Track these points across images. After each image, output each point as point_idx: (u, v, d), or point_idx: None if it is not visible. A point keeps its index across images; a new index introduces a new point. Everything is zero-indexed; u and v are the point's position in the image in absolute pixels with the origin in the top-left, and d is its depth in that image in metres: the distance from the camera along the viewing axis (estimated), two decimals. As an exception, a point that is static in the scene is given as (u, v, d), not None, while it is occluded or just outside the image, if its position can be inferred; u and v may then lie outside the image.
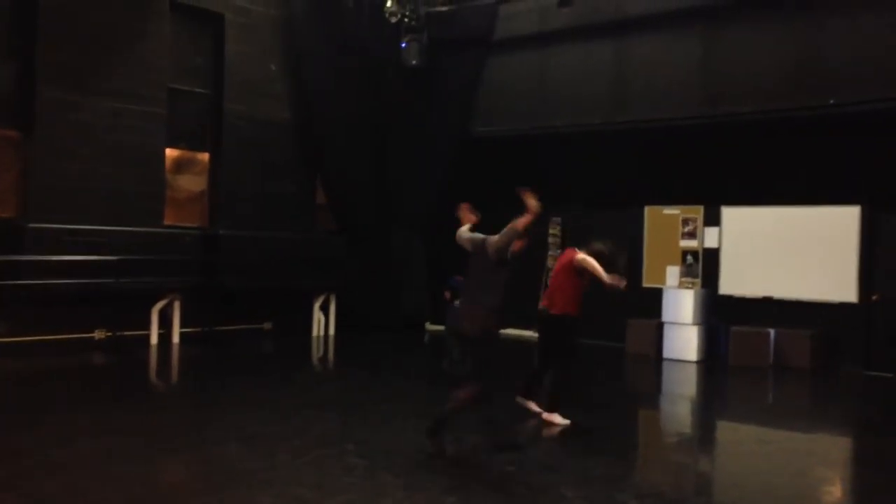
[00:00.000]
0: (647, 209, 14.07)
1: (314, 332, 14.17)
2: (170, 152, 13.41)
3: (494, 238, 6.44)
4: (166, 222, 13.19)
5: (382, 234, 15.19)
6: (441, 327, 15.09)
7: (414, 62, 14.46)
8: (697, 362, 12.48)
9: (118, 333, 12.14)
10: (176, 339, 12.41)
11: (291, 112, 14.68)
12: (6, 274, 11.10)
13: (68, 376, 9.87)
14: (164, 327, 12.42)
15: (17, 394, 8.68)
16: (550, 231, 14.74)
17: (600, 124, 13.32)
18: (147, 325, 12.21)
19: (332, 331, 14.37)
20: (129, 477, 5.64)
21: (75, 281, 11.46)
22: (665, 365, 12.43)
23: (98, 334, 12.11)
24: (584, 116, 13.46)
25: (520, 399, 8.18)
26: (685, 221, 13.66)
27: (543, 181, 14.57)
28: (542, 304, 8.13)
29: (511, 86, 14.47)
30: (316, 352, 13.09)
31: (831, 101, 11.18)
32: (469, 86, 14.84)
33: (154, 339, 12.20)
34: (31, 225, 11.46)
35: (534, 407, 8.07)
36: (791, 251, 12.51)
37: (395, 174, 15.21)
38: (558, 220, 14.77)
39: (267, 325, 14.25)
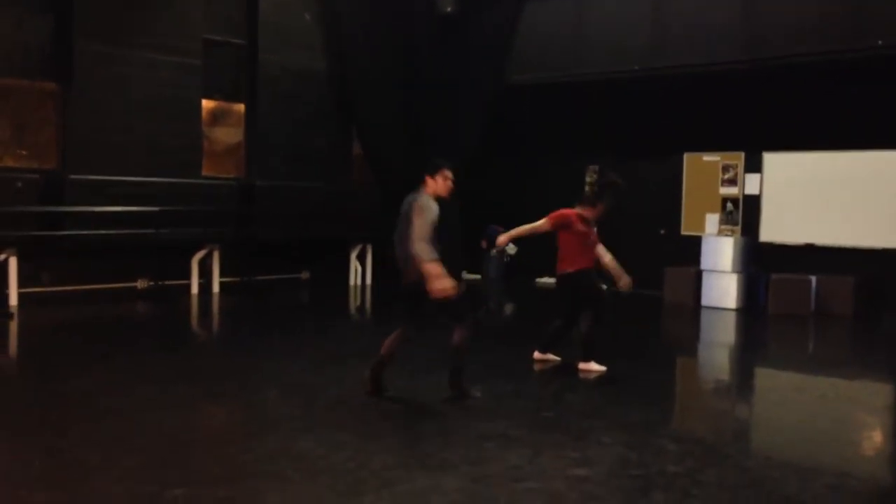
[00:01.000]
0: (686, 156, 13.85)
1: (351, 282, 14.27)
2: (206, 104, 13.45)
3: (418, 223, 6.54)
4: (204, 173, 13.29)
5: (417, 184, 15.14)
6: (477, 276, 15.12)
7: (448, 10, 14.26)
8: (737, 310, 12.37)
9: (160, 283, 12.33)
10: (216, 288, 12.59)
11: (326, 62, 14.60)
12: (49, 225, 11.30)
13: (112, 325, 10.07)
14: (205, 277, 12.58)
15: (62, 342, 8.87)
16: (587, 179, 14.59)
17: (638, 70, 13.06)
18: (188, 275, 12.39)
19: (368, 280, 14.45)
20: (172, 423, 5.76)
21: (116, 232, 11.64)
22: (703, 313, 12.34)
23: (140, 284, 12.33)
24: (621, 63, 13.20)
25: (537, 355, 8.13)
26: (725, 168, 13.43)
27: (580, 129, 14.51)
28: None
29: (547, 33, 14.20)
30: (353, 301, 13.19)
31: (879, 43, 10.83)
32: (504, 33, 14.59)
33: (195, 289, 12.38)
34: (72, 176, 11.61)
35: (554, 357, 8.08)
36: (833, 197, 12.26)
37: (430, 124, 15.09)
38: (595, 167, 14.60)
39: (304, 275, 14.39)
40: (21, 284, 10.69)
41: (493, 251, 15.09)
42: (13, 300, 10.53)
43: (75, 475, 4.66)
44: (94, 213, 11.53)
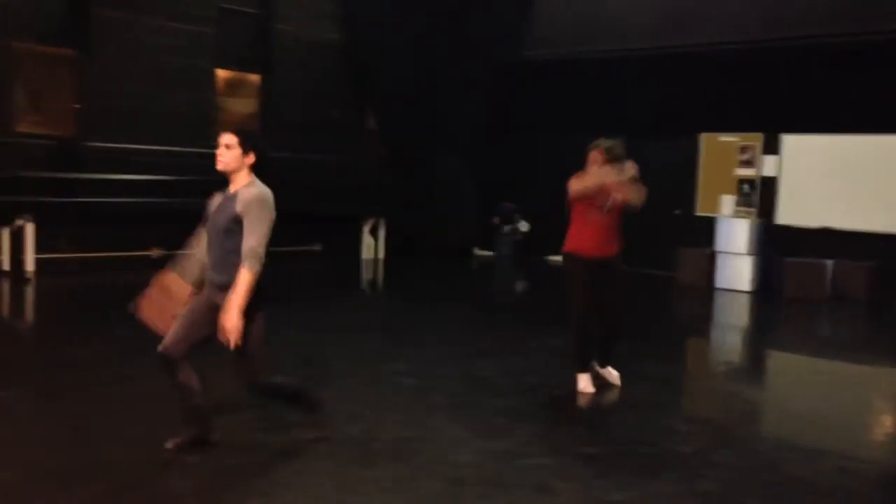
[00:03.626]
0: (702, 136, 13.73)
1: (363, 256, 14.28)
2: (221, 73, 13.40)
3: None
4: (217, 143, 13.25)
5: (430, 159, 15.13)
6: (490, 253, 15.13)
7: (465, -18, 14.15)
8: (751, 293, 12.32)
9: (173, 252, 12.35)
10: (228, 258, 12.61)
11: (341, 33, 14.52)
12: (65, 191, 11.32)
13: (126, 292, 10.09)
14: (217, 247, 12.59)
15: (77, 308, 8.93)
16: (602, 158, 14.49)
17: (656, 48, 12.93)
18: (199, 246, 12.40)
19: (381, 255, 14.46)
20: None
21: (130, 200, 11.65)
22: (717, 295, 12.29)
23: (154, 252, 12.35)
24: (638, 40, 13.07)
25: (598, 370, 6.50)
26: (742, 149, 13.31)
27: (594, 106, 14.39)
28: None
29: (563, 8, 14.07)
30: (365, 275, 13.21)
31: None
32: (519, 8, 14.47)
33: (206, 259, 12.40)
34: (88, 144, 11.62)
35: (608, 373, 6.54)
36: (852, 181, 12.14)
37: (444, 98, 15.03)
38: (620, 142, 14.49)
39: (317, 248, 14.40)
40: (37, 250, 10.74)
41: (506, 228, 15.12)
42: (29, 266, 10.59)
43: (91, 440, 4.70)
44: (108, 180, 11.55)
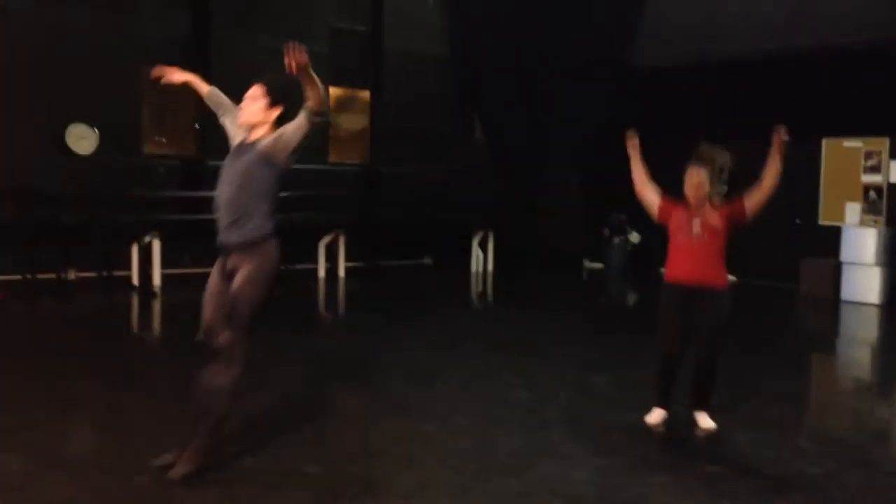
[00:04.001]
0: (825, 142, 13.15)
1: (473, 268, 14.33)
2: (332, 91, 13.73)
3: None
4: (331, 160, 13.60)
5: (539, 170, 15.04)
6: (599, 265, 14.90)
7: (572, -10, 14.06)
8: (880, 306, 11.68)
9: (289, 266, 12.71)
10: (342, 272, 12.88)
11: (449, 47, 14.66)
12: (189, 209, 11.82)
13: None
14: (331, 261, 12.90)
15: (196, 324, 9.27)
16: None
17: (775, 50, 12.48)
18: (315, 259, 12.73)
19: (490, 267, 14.47)
20: (303, 402, 5.93)
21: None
22: (843, 308, 11.71)
23: (270, 267, 12.74)
24: (755, 42, 12.64)
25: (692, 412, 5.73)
26: (868, 155, 12.67)
27: (708, 113, 14.00)
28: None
29: (676, 12, 13.76)
30: (475, 287, 13.24)
31: None
32: (630, 13, 14.24)
33: (321, 273, 12.71)
34: (211, 163, 12.10)
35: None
36: None
37: (552, 108, 14.91)
38: (726, 152, 14.07)
39: (427, 261, 14.54)
40: (164, 266, 11.25)
41: (616, 239, 14.87)
42: (156, 280, 11.10)
43: (215, 451, 4.85)
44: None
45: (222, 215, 4.24)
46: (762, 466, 4.88)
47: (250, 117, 4.30)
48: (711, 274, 5.32)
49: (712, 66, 13.36)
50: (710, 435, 5.44)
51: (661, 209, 5.60)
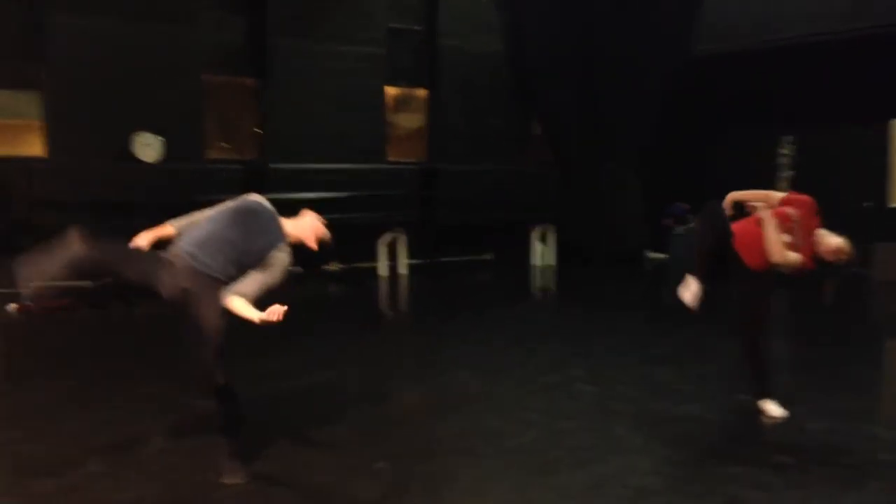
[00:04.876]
0: (893, 122, 12.76)
1: (533, 263, 14.29)
2: (389, 91, 13.85)
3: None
4: (389, 159, 13.72)
5: (598, 164, 14.89)
6: (662, 255, 14.71)
7: (628, -19, 13.87)
8: (955, 290, 11.29)
9: (351, 266, 12.87)
10: (402, 270, 12.98)
11: (504, 44, 14.63)
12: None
13: (308, 307, 10.62)
14: (392, 259, 13.00)
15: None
16: (783, 151, 13.78)
17: (839, 32, 12.15)
18: (376, 258, 12.85)
19: (551, 261, 14.41)
20: (365, 401, 6.00)
21: (311, 217, 12.21)
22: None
23: (333, 267, 12.93)
24: (820, 25, 12.32)
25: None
26: (940, 134, 12.26)
27: (771, 99, 13.71)
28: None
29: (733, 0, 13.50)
30: (536, 282, 13.20)
31: None
32: (686, 4, 14.00)
33: (382, 271, 12.83)
34: (271, 166, 12.32)
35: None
36: None
37: (610, 101, 14.76)
38: (790, 139, 13.77)
39: (487, 257, 14.55)
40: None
41: (680, 229, 14.65)
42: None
43: (286, 447, 4.95)
44: (291, 200, 12.15)
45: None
46: (835, 456, 4.77)
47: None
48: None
49: (776, 51, 13.07)
50: (780, 425, 5.34)
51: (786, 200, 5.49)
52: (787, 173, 13.76)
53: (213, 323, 4.31)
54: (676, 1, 14.00)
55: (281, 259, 4.65)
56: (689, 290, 5.58)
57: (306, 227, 4.92)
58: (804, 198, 5.49)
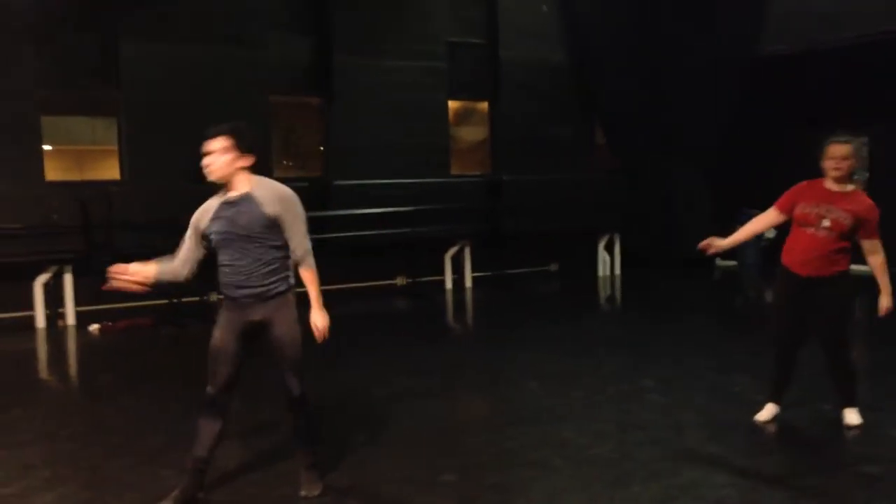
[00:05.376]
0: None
1: (599, 272, 14.17)
2: (451, 104, 13.93)
3: None
4: (452, 172, 13.79)
5: (665, 170, 14.70)
6: (732, 262, 14.42)
7: (690, -15, 13.69)
8: None
9: (417, 280, 12.95)
10: (468, 283, 13.00)
11: (565, 53, 14.59)
12: (317, 228, 12.22)
13: (377, 320, 10.73)
14: (457, 272, 13.05)
15: (332, 338, 9.54)
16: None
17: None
18: (441, 271, 12.91)
19: (617, 270, 14.27)
20: (439, 412, 6.03)
21: (376, 232, 12.37)
22: None
23: (399, 281, 13.03)
24: (890, 22, 11.95)
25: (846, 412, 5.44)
26: None
27: (844, 99, 13.33)
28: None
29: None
30: (603, 291, 13.08)
31: None
32: (751, 4, 13.74)
33: (449, 284, 12.88)
34: (335, 182, 12.50)
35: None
36: None
37: (678, 105, 14.54)
38: (864, 140, 13.37)
39: (553, 267, 14.48)
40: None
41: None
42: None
43: (356, 458, 5.01)
44: (355, 215, 12.34)
45: (235, 270, 4.24)
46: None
47: (220, 174, 4.16)
48: (831, 264, 5.09)
49: (846, 49, 12.72)
50: (862, 434, 5.18)
51: (780, 204, 5.31)
52: (861, 175, 13.36)
53: (295, 339, 4.32)
54: (740, 2, 13.75)
55: (275, 202, 4.21)
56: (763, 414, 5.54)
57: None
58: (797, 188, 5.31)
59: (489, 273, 13.48)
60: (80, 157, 12.96)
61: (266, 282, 4.20)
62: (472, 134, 14.61)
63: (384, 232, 12.42)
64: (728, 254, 14.46)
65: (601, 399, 6.24)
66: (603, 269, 14.25)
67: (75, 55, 11.00)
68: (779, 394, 5.52)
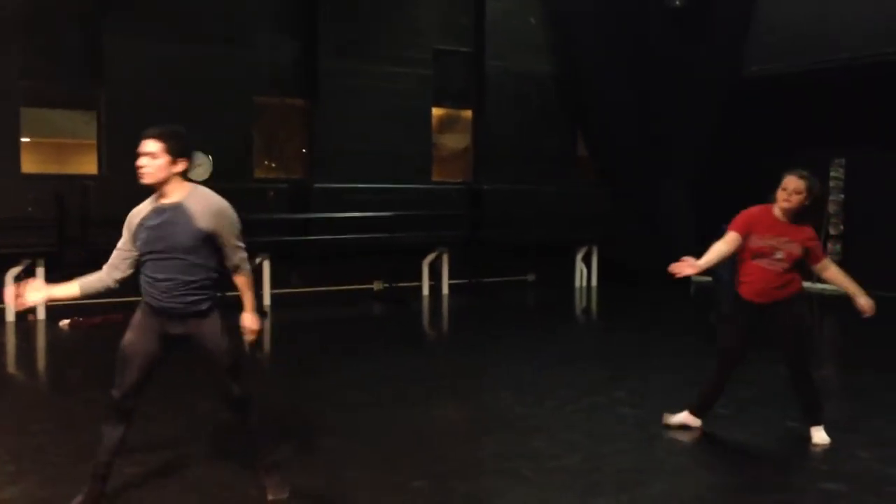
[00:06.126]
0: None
1: (576, 284, 14.22)
2: (436, 111, 13.95)
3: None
4: (434, 179, 13.79)
5: (646, 185, 14.79)
6: (708, 278, 14.52)
7: (677, 3, 13.81)
8: None
9: (394, 285, 12.94)
10: (445, 290, 13.00)
11: (552, 64, 14.66)
12: (298, 230, 12.20)
13: (353, 325, 10.70)
14: (434, 279, 13.04)
15: (307, 341, 9.54)
16: (832, 174, 13.58)
17: (892, 54, 11.94)
18: (419, 277, 12.90)
19: (594, 282, 14.33)
20: (411, 419, 6.02)
21: (355, 236, 12.35)
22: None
23: (376, 286, 13.00)
24: (875, 45, 12.11)
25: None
26: None
27: (824, 121, 13.50)
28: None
29: (787, 18, 13.33)
30: (579, 303, 13.13)
31: None
32: (739, 23, 13.88)
33: (426, 291, 12.87)
34: (317, 185, 12.47)
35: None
36: None
37: (661, 122, 14.65)
38: (841, 161, 13.57)
39: (531, 277, 14.51)
40: (273, 286, 11.63)
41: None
42: (266, 300, 11.48)
43: (328, 464, 4.99)
44: (335, 219, 12.32)
45: (157, 283, 4.10)
46: (886, 484, 4.66)
47: (153, 178, 4.02)
48: (787, 288, 5.28)
49: (827, 72, 12.88)
50: (829, 453, 5.23)
51: (738, 227, 5.35)
52: (836, 196, 13.53)
53: (226, 349, 4.18)
54: (731, 19, 13.90)
55: (209, 216, 4.04)
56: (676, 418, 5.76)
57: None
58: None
59: (466, 280, 13.49)
60: (59, 150, 12.84)
61: (188, 300, 4.06)
62: (455, 141, 14.63)
63: (363, 236, 12.41)
64: (704, 270, 14.66)
65: (573, 410, 6.26)
66: (580, 280, 14.30)
67: (58, 48, 10.91)
68: (706, 407, 5.64)
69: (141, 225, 4.07)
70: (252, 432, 4.40)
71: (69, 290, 4.18)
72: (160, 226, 4.02)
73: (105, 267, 4.19)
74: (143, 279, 4.14)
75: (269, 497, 4.35)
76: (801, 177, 5.24)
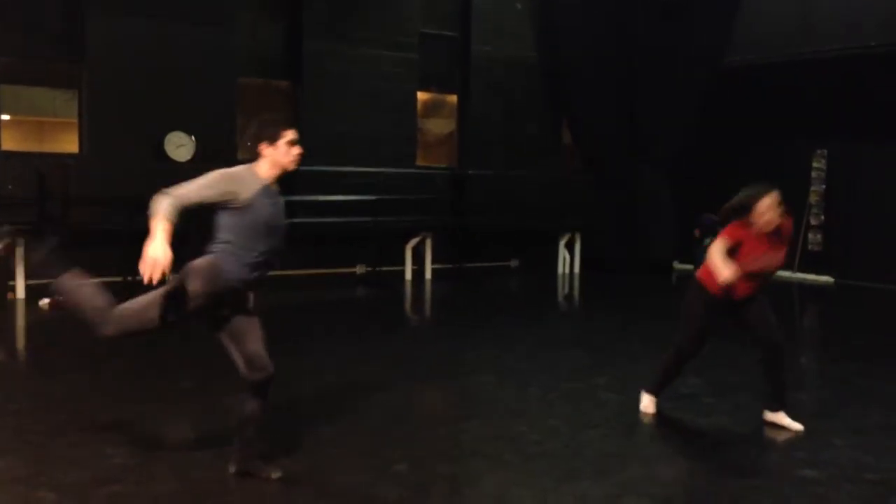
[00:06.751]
0: (929, 138, 12.58)
1: (559, 271, 14.26)
2: (421, 96, 13.91)
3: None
4: (418, 163, 13.77)
5: (629, 172, 14.82)
6: (689, 266, 14.60)
7: (663, -9, 13.82)
8: None
9: (377, 269, 12.93)
10: (428, 274, 13.00)
11: (538, 51, 14.64)
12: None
13: (336, 308, 10.69)
14: (418, 263, 13.04)
15: (290, 324, 9.52)
16: (814, 164, 13.66)
17: (876, 46, 12.01)
18: (402, 261, 12.90)
19: (576, 269, 14.38)
20: (393, 402, 6.02)
21: (339, 220, 12.32)
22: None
23: (359, 269, 12.99)
24: (856, 38, 12.18)
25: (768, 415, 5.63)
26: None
27: (806, 111, 13.57)
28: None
29: (771, 9, 13.39)
30: (561, 290, 13.17)
31: None
32: (723, 14, 13.90)
33: (408, 275, 12.87)
34: (301, 168, 12.38)
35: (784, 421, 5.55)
36: None
37: (644, 110, 14.68)
38: (823, 152, 13.65)
39: (513, 263, 14.55)
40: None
41: (707, 240, 14.54)
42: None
43: (307, 446, 4.99)
44: (319, 202, 12.27)
45: (271, 256, 4.31)
46: (862, 472, 4.71)
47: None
48: (752, 288, 5.36)
49: (809, 63, 12.95)
50: (807, 439, 5.29)
51: (730, 237, 5.29)
52: (818, 187, 13.62)
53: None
54: (714, 9, 13.91)
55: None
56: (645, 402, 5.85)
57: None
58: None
59: (449, 265, 13.50)
60: (40, 128, 12.72)
61: (267, 275, 4.37)
62: (439, 126, 14.61)
63: (346, 220, 12.38)
64: (685, 258, 14.75)
65: (555, 395, 6.28)
66: (563, 267, 14.35)
67: (40, 25, 10.79)
68: (661, 388, 5.81)
69: (263, 201, 4.18)
70: (255, 416, 4.35)
71: (166, 227, 3.89)
72: (276, 205, 4.32)
73: (171, 197, 3.93)
74: (245, 255, 4.14)
75: (263, 475, 4.35)
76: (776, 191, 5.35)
